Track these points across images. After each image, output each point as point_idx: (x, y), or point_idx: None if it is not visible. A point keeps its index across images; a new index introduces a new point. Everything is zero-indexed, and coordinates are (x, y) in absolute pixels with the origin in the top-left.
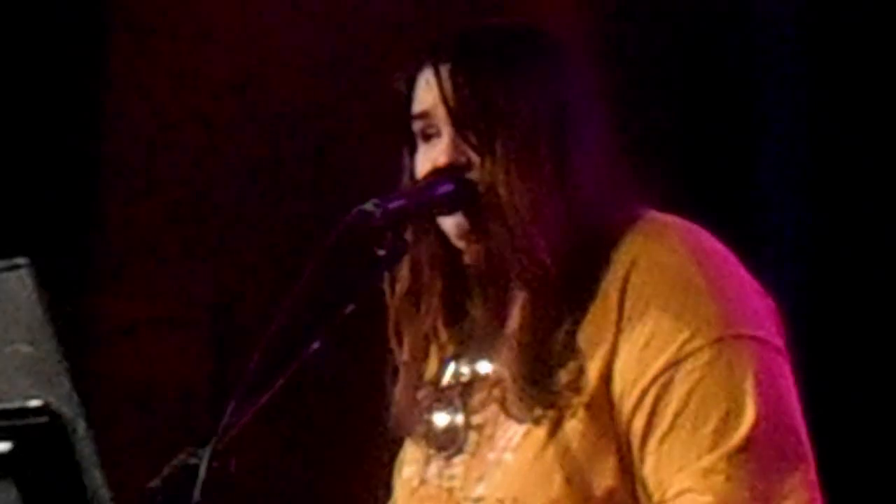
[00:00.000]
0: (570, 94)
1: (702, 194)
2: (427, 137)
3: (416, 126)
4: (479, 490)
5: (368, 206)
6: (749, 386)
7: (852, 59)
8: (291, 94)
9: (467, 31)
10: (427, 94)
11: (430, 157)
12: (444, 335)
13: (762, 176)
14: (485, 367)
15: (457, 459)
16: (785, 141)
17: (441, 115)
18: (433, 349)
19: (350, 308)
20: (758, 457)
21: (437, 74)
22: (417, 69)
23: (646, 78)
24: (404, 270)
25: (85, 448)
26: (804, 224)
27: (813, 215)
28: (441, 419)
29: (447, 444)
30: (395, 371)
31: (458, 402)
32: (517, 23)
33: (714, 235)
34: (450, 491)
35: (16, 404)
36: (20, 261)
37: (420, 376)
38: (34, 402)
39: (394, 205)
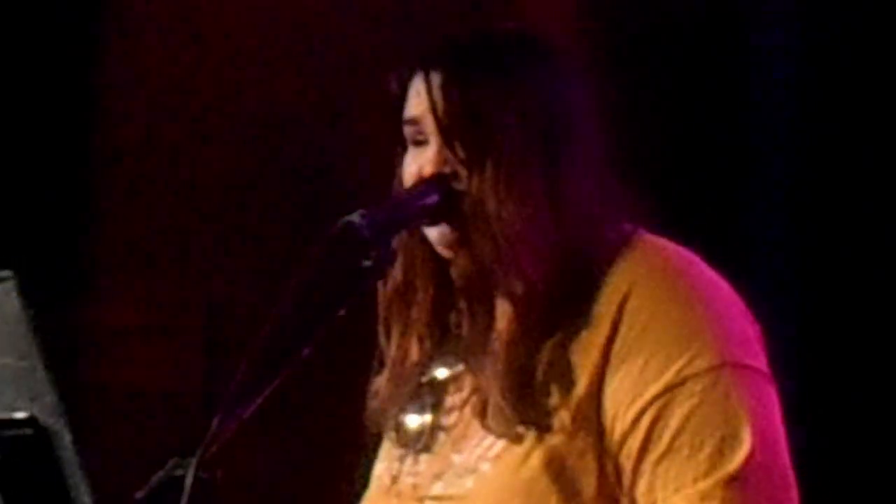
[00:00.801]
0: (564, 106)
1: (692, 202)
2: (416, 143)
3: (406, 131)
4: (437, 489)
5: (354, 217)
6: (745, 414)
7: (846, 65)
8: (286, 99)
9: (459, 40)
10: (418, 101)
11: (416, 164)
12: (428, 337)
13: (752, 184)
14: (462, 371)
15: (423, 457)
16: (777, 147)
17: (430, 124)
18: (416, 349)
19: (336, 319)
20: (752, 485)
21: (428, 84)
22: (411, 73)
23: (636, 84)
24: (397, 268)
25: (71, 460)
26: (795, 232)
27: (804, 222)
28: (412, 419)
29: (415, 441)
30: (380, 365)
31: (429, 401)
32: (511, 30)
33: (704, 245)
34: (415, 487)
35: (1, 416)
36: (4, 273)
37: (402, 373)
38: (20, 414)
39: (379, 216)
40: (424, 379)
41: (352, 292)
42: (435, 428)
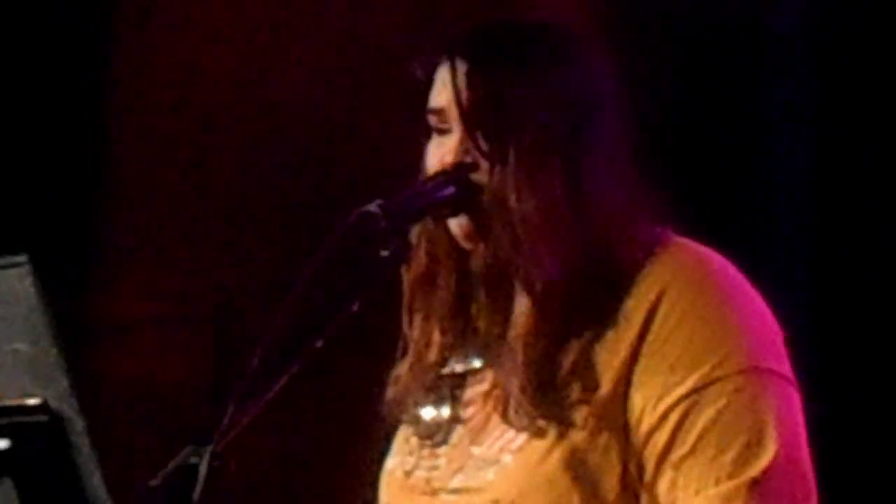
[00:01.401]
0: (589, 99)
1: (706, 198)
2: (440, 132)
3: (430, 120)
4: (457, 481)
5: (371, 207)
6: (771, 420)
7: (860, 65)
8: (295, 94)
9: (485, 29)
10: (443, 90)
11: (438, 153)
12: (450, 327)
13: (766, 181)
14: (480, 364)
15: (441, 450)
16: (790, 145)
17: (453, 114)
18: (437, 338)
19: (352, 309)
20: (774, 490)
21: (453, 72)
22: (436, 62)
23: (648, 82)
24: (420, 255)
25: (83, 446)
26: (808, 229)
27: (818, 219)
28: (429, 411)
29: (432, 434)
30: (403, 353)
31: (447, 393)
32: (538, 20)
33: (719, 245)
34: (428, 481)
35: (14, 402)
36: (19, 258)
37: (424, 362)
38: (33, 401)
39: (396, 206)
40: (445, 371)
41: (367, 283)
42: (453, 421)
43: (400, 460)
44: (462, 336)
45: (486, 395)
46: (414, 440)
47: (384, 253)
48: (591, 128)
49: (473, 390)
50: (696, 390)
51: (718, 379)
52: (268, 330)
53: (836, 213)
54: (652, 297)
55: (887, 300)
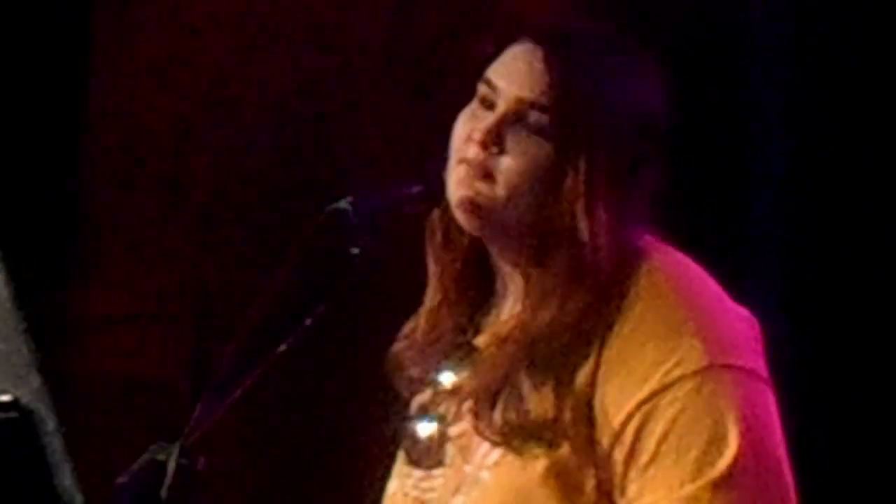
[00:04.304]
0: (650, 113)
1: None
2: (482, 102)
3: (481, 89)
4: (457, 502)
5: (342, 203)
6: (732, 416)
7: (844, 66)
8: (275, 91)
9: (579, 28)
10: (511, 68)
11: (469, 126)
12: (461, 302)
13: (747, 184)
14: (462, 377)
15: (437, 472)
16: (773, 146)
17: (507, 96)
18: (446, 307)
19: (323, 307)
20: (741, 486)
21: (549, 68)
22: (512, 41)
23: None
24: (437, 223)
25: (55, 444)
26: (791, 231)
27: (794, 221)
28: (422, 429)
29: (425, 456)
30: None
31: (435, 411)
32: (614, 27)
33: (700, 246)
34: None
35: None
36: None
37: (434, 327)
38: (3, 398)
39: (367, 202)
40: (436, 383)
41: (340, 280)
42: (443, 440)
43: (399, 483)
44: (458, 335)
45: (464, 407)
46: (408, 463)
47: (354, 250)
48: (649, 146)
49: (458, 406)
50: (653, 395)
51: (674, 382)
52: (241, 328)
53: (814, 215)
54: (614, 302)
55: (865, 301)
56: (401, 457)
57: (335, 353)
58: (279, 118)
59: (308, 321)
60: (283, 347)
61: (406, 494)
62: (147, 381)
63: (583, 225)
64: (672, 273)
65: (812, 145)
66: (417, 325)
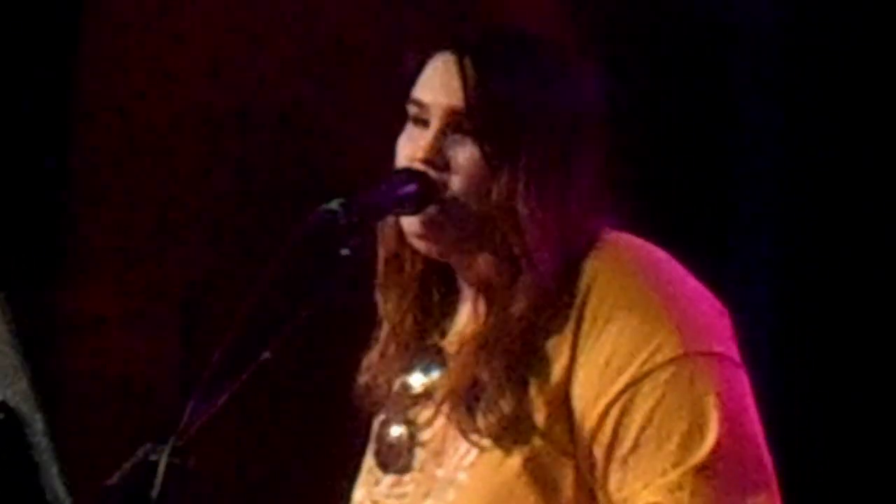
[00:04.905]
0: (582, 112)
1: (673, 201)
2: (416, 122)
3: (411, 109)
4: None
5: (332, 205)
6: (711, 402)
7: (834, 65)
8: (263, 91)
9: (497, 35)
10: (434, 84)
11: (411, 146)
12: (417, 306)
13: (736, 183)
14: (432, 379)
15: (407, 477)
16: (760, 147)
17: (438, 110)
18: (409, 318)
19: (311, 308)
20: (722, 472)
21: (463, 73)
22: (432, 54)
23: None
24: (389, 236)
25: (43, 445)
26: (781, 230)
27: (782, 218)
28: (392, 432)
29: (394, 461)
30: (376, 341)
31: (403, 416)
32: (538, 33)
33: (688, 244)
34: None
35: None
36: None
37: (400, 340)
38: None
39: (357, 204)
40: (406, 385)
41: (328, 281)
42: (412, 444)
43: (366, 491)
44: (421, 340)
45: (439, 410)
46: (378, 468)
47: (344, 251)
48: (581, 140)
49: (429, 411)
50: (631, 385)
51: (652, 370)
52: (230, 328)
53: (802, 212)
54: (582, 295)
55: (858, 299)
56: (367, 464)
57: (324, 354)
58: (269, 119)
59: (297, 322)
60: (272, 348)
61: (375, 502)
62: (137, 381)
63: (522, 218)
64: (639, 260)
65: (802, 143)
66: (379, 339)
